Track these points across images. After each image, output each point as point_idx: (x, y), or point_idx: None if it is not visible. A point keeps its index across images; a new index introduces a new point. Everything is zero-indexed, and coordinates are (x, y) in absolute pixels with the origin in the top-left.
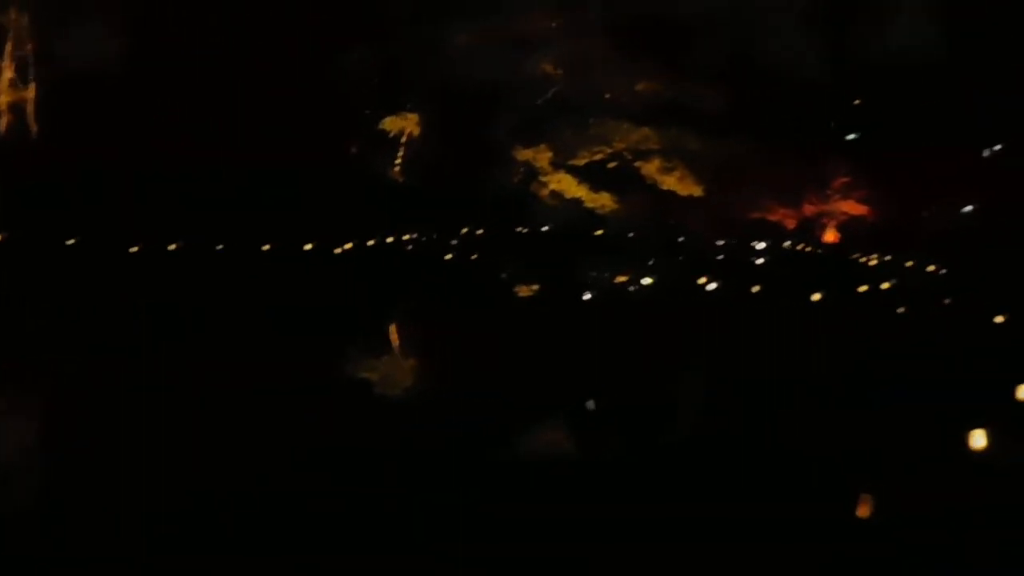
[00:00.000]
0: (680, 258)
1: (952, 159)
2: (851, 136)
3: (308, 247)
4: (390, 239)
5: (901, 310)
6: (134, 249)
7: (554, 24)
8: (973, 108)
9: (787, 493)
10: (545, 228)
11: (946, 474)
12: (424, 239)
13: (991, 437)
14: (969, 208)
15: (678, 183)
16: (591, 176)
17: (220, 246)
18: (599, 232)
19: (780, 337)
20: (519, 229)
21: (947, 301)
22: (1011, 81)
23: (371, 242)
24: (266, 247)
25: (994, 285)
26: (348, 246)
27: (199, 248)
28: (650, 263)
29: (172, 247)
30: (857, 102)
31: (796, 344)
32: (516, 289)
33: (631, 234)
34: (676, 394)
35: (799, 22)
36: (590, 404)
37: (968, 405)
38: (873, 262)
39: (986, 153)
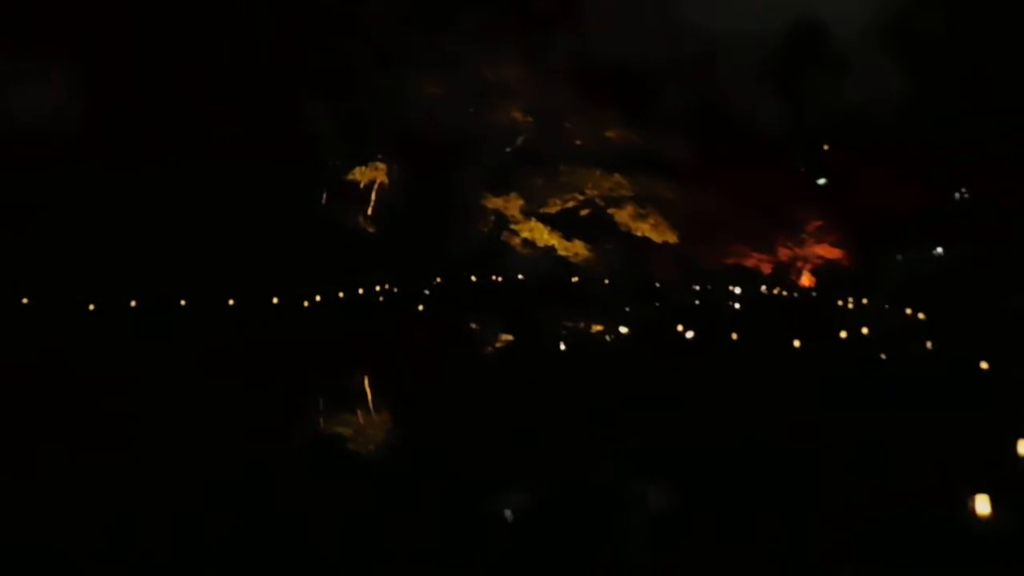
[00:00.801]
0: (656, 305)
1: (922, 202)
2: (822, 181)
3: (275, 300)
4: (360, 290)
5: (882, 355)
6: (92, 304)
7: (522, 72)
8: (942, 152)
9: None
10: (519, 277)
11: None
12: (395, 290)
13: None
14: (940, 250)
15: (652, 230)
16: (563, 224)
17: (184, 301)
18: (573, 280)
19: (759, 384)
20: (492, 278)
21: (928, 345)
22: (976, 125)
23: (341, 294)
24: (231, 301)
25: (972, 328)
26: (317, 298)
27: (165, 303)
28: (626, 311)
29: (133, 303)
30: (825, 148)
31: (775, 390)
32: (489, 340)
33: (606, 282)
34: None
35: (766, 70)
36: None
37: (950, 455)
38: (850, 305)
39: (957, 196)
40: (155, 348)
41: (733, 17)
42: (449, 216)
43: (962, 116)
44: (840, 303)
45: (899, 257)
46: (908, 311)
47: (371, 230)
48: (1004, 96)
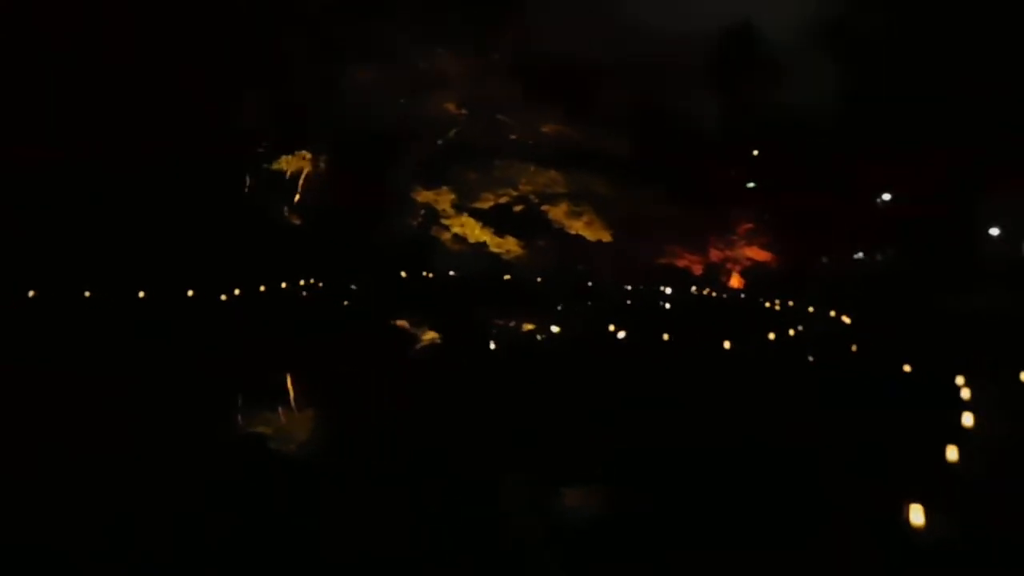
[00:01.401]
0: (589, 304)
1: (848, 207)
2: (751, 184)
3: (191, 293)
4: (284, 284)
5: (810, 358)
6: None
7: (458, 64)
8: (869, 157)
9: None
10: (449, 273)
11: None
12: (320, 284)
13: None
14: (861, 255)
15: (586, 228)
16: (496, 220)
17: (102, 293)
18: (505, 278)
19: (692, 385)
20: (421, 274)
21: (853, 348)
22: (904, 132)
23: (262, 288)
24: (143, 294)
25: (896, 330)
26: (236, 292)
27: (79, 295)
28: (558, 310)
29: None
30: (756, 152)
31: (707, 391)
32: (417, 338)
33: (538, 280)
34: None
35: (702, 74)
36: None
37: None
38: (776, 307)
39: (879, 201)
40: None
41: (674, 18)
42: (378, 209)
43: (892, 120)
44: (768, 304)
45: (824, 260)
46: (832, 313)
47: (296, 222)
48: (935, 100)
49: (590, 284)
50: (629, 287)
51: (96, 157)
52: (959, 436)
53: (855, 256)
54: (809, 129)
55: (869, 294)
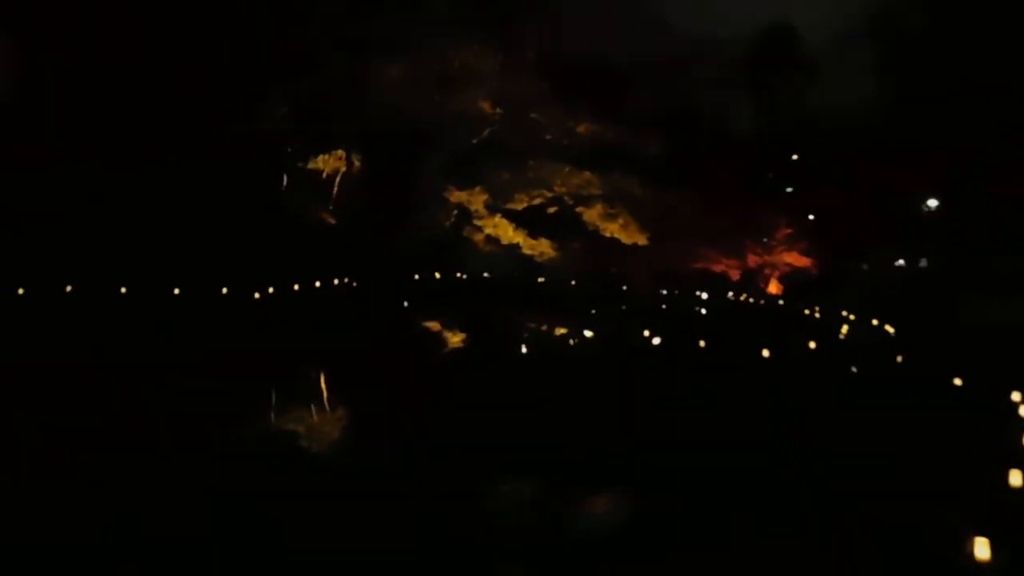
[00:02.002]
0: (623, 308)
1: (889, 212)
2: (790, 189)
3: (227, 291)
4: (318, 283)
5: (853, 368)
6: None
7: (492, 61)
8: (911, 161)
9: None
10: (483, 275)
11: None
12: (353, 284)
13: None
14: (903, 261)
15: (621, 230)
16: (529, 221)
17: (145, 289)
18: (539, 280)
19: (727, 396)
20: (453, 275)
21: (899, 358)
22: (944, 135)
23: (297, 287)
24: (178, 291)
25: (941, 339)
26: (271, 290)
27: (119, 292)
28: (592, 314)
29: (88, 291)
30: (795, 157)
31: (744, 400)
32: (448, 340)
33: (572, 283)
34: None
35: (738, 75)
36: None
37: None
38: (817, 314)
39: (923, 206)
40: (113, 341)
41: (710, 19)
42: (410, 209)
43: (934, 126)
44: (807, 311)
45: (865, 266)
46: (875, 321)
47: (332, 222)
48: (976, 106)
49: (625, 288)
50: (665, 292)
51: (131, 156)
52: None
53: (897, 263)
54: (851, 131)
55: (912, 301)
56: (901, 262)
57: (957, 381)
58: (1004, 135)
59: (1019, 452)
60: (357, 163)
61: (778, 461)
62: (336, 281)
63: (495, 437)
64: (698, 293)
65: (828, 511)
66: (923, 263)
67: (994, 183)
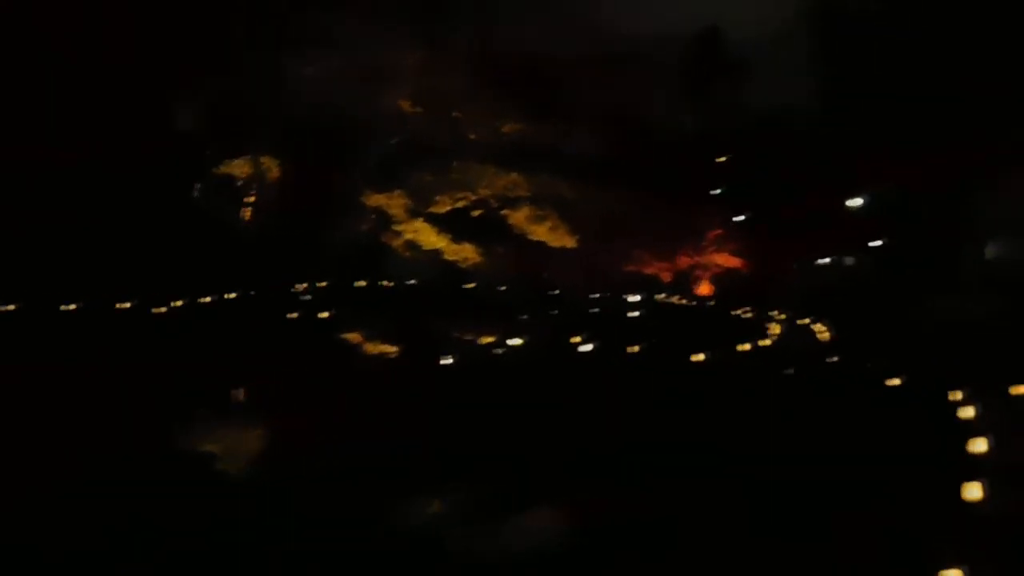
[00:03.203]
0: (554, 314)
1: (821, 212)
2: (719, 190)
3: (129, 304)
4: (232, 295)
5: (789, 370)
6: None
7: (412, 58)
8: (842, 160)
9: None
10: (411, 282)
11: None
12: (268, 294)
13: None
14: (828, 260)
15: (550, 233)
16: (453, 225)
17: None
18: (467, 286)
19: (659, 402)
20: (376, 283)
21: (834, 358)
22: (875, 136)
23: (207, 299)
24: (73, 305)
25: (875, 338)
26: (177, 303)
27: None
28: (520, 320)
29: None
30: (723, 158)
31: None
32: (367, 351)
33: (502, 288)
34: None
35: (672, 76)
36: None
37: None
38: (749, 315)
39: (851, 205)
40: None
41: (644, 17)
42: (327, 214)
43: (862, 124)
44: (740, 312)
45: (795, 266)
46: (807, 321)
47: (246, 228)
48: (910, 100)
49: (555, 293)
50: (596, 295)
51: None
52: (974, 468)
53: (825, 260)
54: (782, 132)
55: (845, 300)
56: (827, 260)
57: (895, 381)
58: (935, 133)
59: (966, 459)
60: (274, 167)
61: (712, 465)
62: (252, 292)
63: (415, 452)
64: (629, 296)
65: (775, 521)
66: (850, 261)
67: (926, 180)
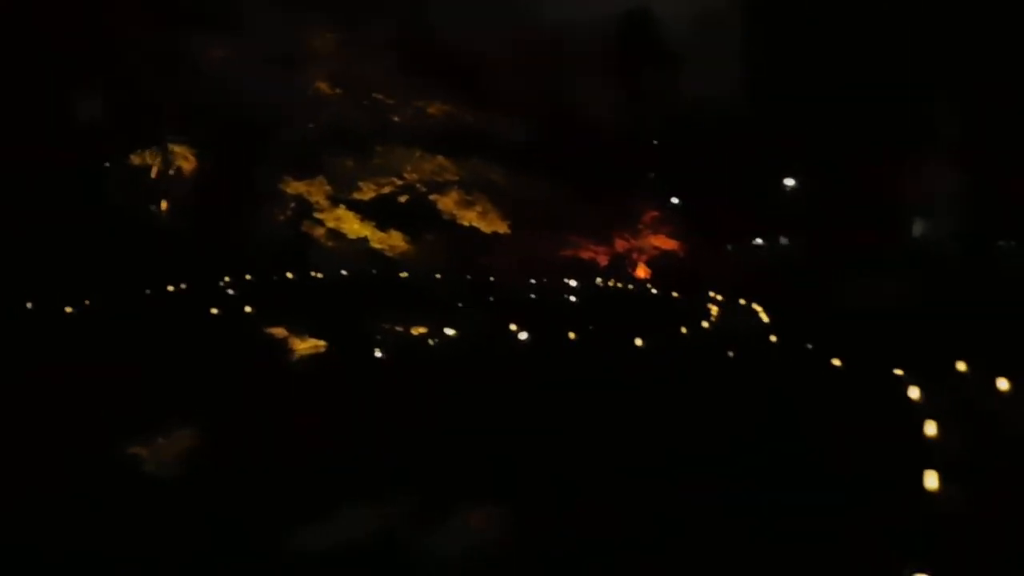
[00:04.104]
0: (491, 301)
1: (753, 194)
2: (652, 174)
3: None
4: (147, 290)
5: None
6: None
7: (329, 40)
8: (775, 149)
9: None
10: (334, 273)
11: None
12: (185, 289)
13: None
14: (761, 242)
15: (480, 219)
16: (378, 212)
17: None
18: (400, 276)
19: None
20: (306, 274)
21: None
22: (806, 125)
23: (122, 296)
24: None
25: (810, 320)
26: (86, 302)
27: None
28: (456, 310)
29: None
30: (656, 143)
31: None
32: (293, 346)
33: (436, 276)
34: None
35: (607, 62)
36: None
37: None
38: (686, 297)
39: (786, 185)
40: None
41: (572, 4)
42: (245, 203)
43: (792, 109)
44: (677, 295)
45: (729, 247)
46: (743, 302)
47: (158, 221)
48: (834, 90)
49: (491, 280)
50: (532, 281)
51: None
52: (930, 454)
53: (757, 242)
54: (713, 116)
55: (777, 282)
56: (760, 241)
57: (835, 361)
58: (870, 119)
59: (922, 443)
60: (187, 156)
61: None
62: (170, 287)
63: (345, 454)
64: (567, 281)
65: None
66: (783, 242)
67: (858, 165)
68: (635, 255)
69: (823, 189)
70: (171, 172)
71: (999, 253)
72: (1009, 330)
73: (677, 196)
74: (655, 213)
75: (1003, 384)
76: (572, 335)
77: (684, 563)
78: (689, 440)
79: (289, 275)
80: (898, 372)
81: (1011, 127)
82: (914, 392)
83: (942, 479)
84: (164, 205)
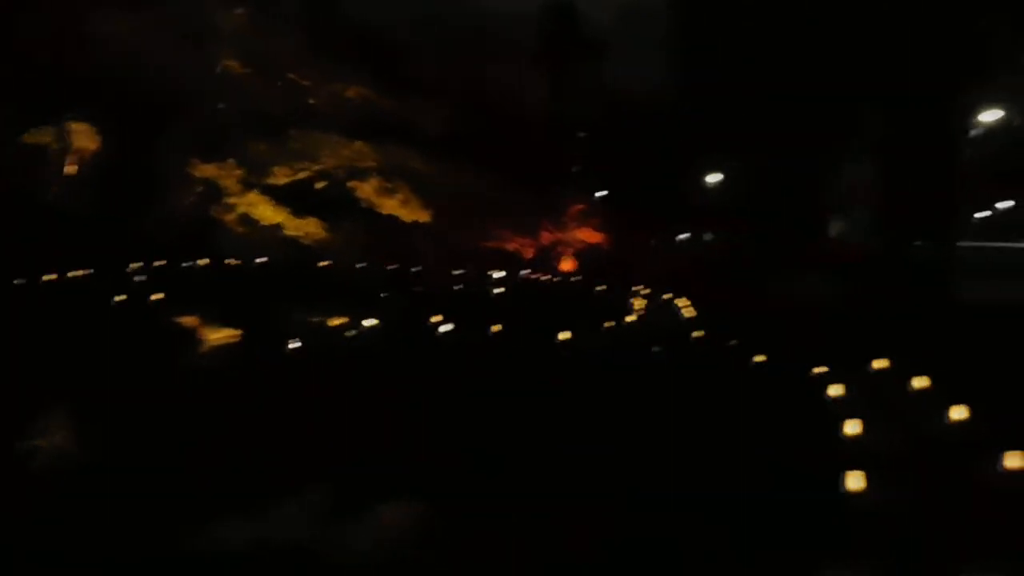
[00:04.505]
0: (413, 292)
1: (679, 189)
2: (578, 167)
3: None
4: (47, 276)
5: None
6: None
7: (239, 15)
8: (702, 143)
9: None
10: (246, 262)
11: None
12: (87, 276)
13: None
14: (687, 236)
15: (401, 207)
16: (293, 198)
17: None
18: (318, 265)
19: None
20: (211, 262)
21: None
22: (733, 119)
23: (17, 281)
24: None
25: (734, 316)
26: None
27: None
28: (378, 300)
29: None
30: (581, 135)
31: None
32: (204, 336)
33: (357, 267)
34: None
35: (532, 50)
36: None
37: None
38: (611, 291)
39: (710, 182)
40: None
41: None
42: (150, 186)
43: (719, 103)
44: (601, 288)
45: (653, 241)
46: (667, 296)
47: (56, 203)
48: (760, 86)
49: (413, 271)
50: (455, 272)
51: None
52: (851, 453)
53: (680, 237)
54: (639, 110)
55: (701, 276)
56: (685, 236)
57: (760, 357)
58: (797, 115)
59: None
60: (91, 135)
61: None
62: (71, 273)
63: (259, 449)
64: (490, 273)
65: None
66: (708, 237)
67: (783, 162)
68: (561, 248)
69: (748, 185)
70: (71, 152)
71: (915, 253)
72: (924, 328)
73: (603, 189)
74: (581, 206)
75: (919, 382)
76: (495, 328)
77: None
78: (607, 433)
79: (200, 262)
80: (819, 370)
81: (931, 127)
82: (836, 389)
83: (863, 477)
84: (58, 186)
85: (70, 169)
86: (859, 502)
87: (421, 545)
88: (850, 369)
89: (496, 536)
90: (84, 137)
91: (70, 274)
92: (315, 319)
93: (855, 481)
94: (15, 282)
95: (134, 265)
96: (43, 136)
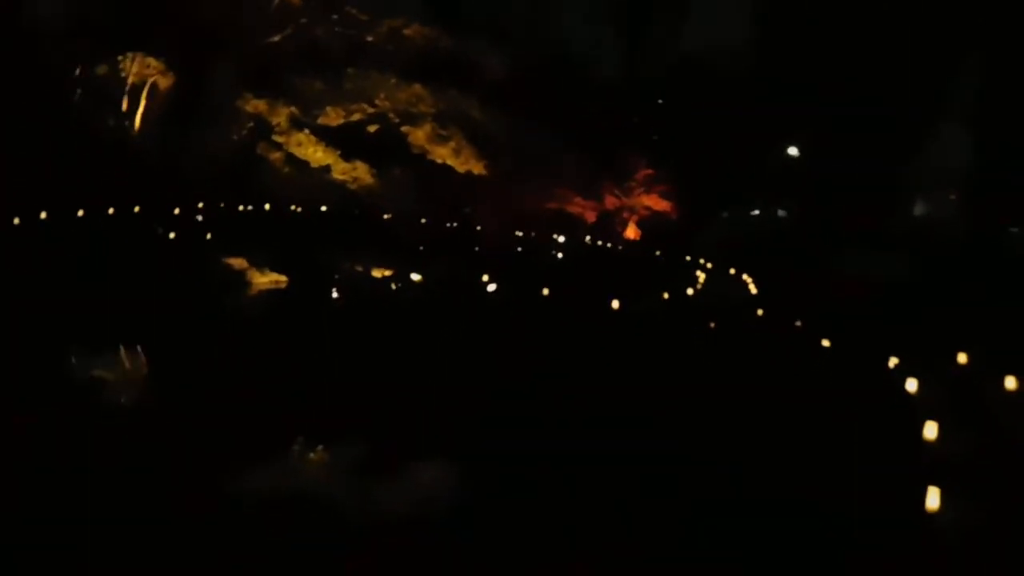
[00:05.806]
0: (474, 251)
1: (755, 160)
2: (654, 133)
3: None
4: (111, 210)
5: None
6: None
7: None
8: (781, 113)
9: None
10: (297, 207)
11: None
12: (149, 213)
13: None
14: (758, 211)
15: (453, 156)
16: (343, 140)
17: None
18: (386, 216)
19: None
20: (264, 204)
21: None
22: (812, 85)
23: (82, 212)
24: None
25: (801, 294)
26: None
27: None
28: (435, 257)
29: None
30: (661, 100)
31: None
32: (255, 280)
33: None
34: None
35: (608, 11)
36: None
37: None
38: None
39: (786, 156)
40: None
41: None
42: (200, 121)
43: (798, 70)
44: (664, 257)
45: (725, 214)
46: (733, 271)
47: (125, 137)
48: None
49: (476, 228)
50: (515, 233)
51: None
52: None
53: (754, 212)
54: (718, 73)
55: (771, 252)
56: (757, 212)
57: (825, 342)
58: (870, 83)
59: (921, 448)
60: (156, 68)
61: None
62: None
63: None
64: (551, 235)
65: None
66: (781, 213)
67: (860, 136)
68: (626, 214)
69: (828, 159)
70: (133, 87)
71: (1006, 239)
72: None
73: (673, 154)
74: (649, 171)
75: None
76: (546, 291)
77: (634, 530)
78: (655, 407)
79: (251, 206)
80: (894, 361)
81: None
82: (911, 385)
83: (943, 495)
84: (137, 121)
85: (134, 103)
86: (939, 521)
87: (452, 509)
88: (928, 362)
89: (527, 503)
90: (147, 71)
91: (132, 210)
92: (360, 269)
93: (934, 498)
94: (78, 214)
95: (192, 205)
96: (107, 70)
